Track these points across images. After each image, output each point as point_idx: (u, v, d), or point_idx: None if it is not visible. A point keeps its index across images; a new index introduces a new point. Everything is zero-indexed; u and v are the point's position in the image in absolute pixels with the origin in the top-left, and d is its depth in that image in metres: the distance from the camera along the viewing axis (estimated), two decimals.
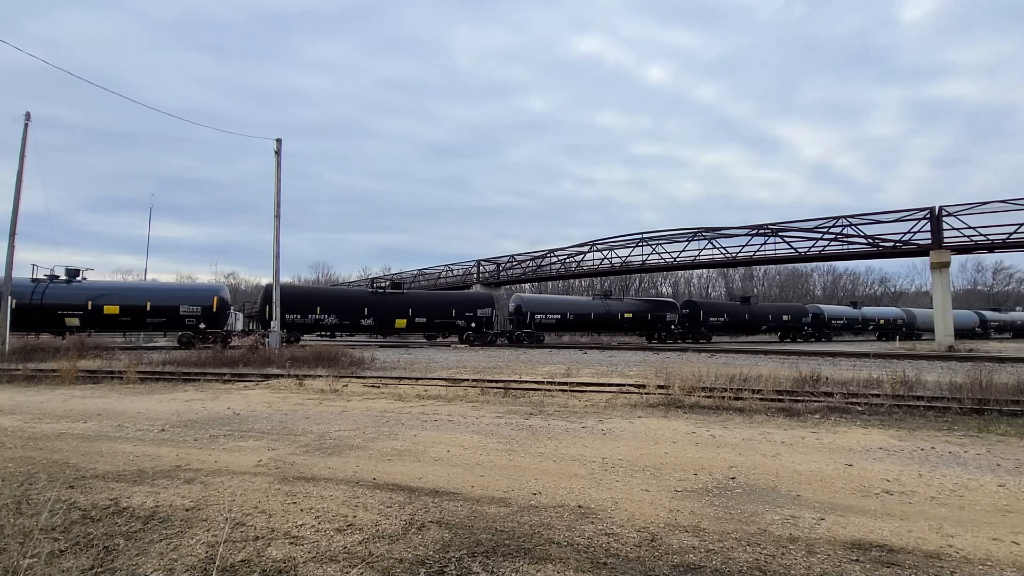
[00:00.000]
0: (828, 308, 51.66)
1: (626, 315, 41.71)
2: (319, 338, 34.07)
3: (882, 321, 51.00)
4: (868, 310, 52.87)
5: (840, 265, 78.93)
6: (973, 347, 32.69)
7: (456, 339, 36.53)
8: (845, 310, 52.06)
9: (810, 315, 48.92)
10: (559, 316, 38.19)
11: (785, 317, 47.31)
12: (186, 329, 27.09)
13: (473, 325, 34.37)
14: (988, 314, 59.44)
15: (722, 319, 43.94)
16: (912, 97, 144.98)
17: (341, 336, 34.35)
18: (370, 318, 32.27)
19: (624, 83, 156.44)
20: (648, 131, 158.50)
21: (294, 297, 29.64)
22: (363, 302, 32.94)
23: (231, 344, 24.30)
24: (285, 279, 32.40)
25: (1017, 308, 67.70)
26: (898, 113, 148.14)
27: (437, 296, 38.56)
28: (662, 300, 48.17)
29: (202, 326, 26.99)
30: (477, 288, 47.64)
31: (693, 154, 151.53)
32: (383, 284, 35.27)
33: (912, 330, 50.91)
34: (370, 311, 32.29)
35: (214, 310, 27.41)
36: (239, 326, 34.05)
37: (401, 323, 33.19)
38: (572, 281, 62.18)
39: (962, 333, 55.76)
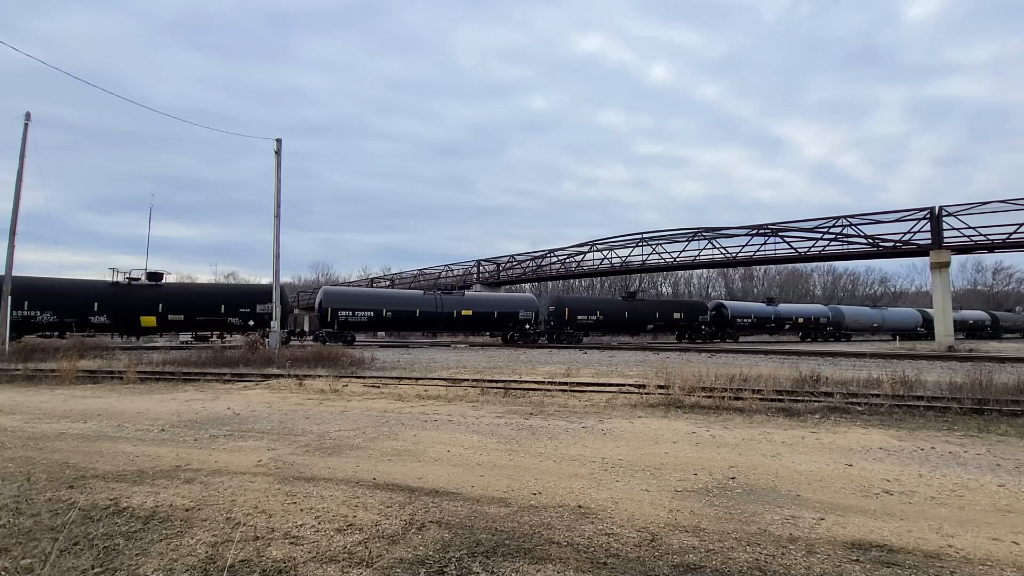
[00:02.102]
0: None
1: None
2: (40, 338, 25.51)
3: (800, 320, 48.88)
4: (785, 308, 49.99)
5: (840, 265, 79.01)
6: (974, 347, 32.70)
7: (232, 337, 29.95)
8: (752, 306, 49.13)
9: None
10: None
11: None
12: None
13: (252, 323, 28.78)
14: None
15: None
16: (915, 96, 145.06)
17: (71, 336, 25.91)
18: (103, 315, 26.82)
19: (626, 82, 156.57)
20: (650, 130, 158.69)
21: None
22: (95, 296, 27.15)
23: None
24: (285, 279, 32.47)
25: (1017, 308, 67.59)
26: (901, 112, 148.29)
27: (201, 289, 34.10)
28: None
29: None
30: (477, 288, 47.64)
31: (695, 154, 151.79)
32: (130, 276, 28.71)
33: (840, 330, 49.62)
34: (102, 307, 26.87)
35: None
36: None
37: (149, 321, 27.84)
38: (573, 281, 62.18)
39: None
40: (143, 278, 28.25)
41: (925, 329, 52.70)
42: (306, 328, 38.66)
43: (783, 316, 47.00)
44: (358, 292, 38.15)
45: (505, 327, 37.45)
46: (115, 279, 27.91)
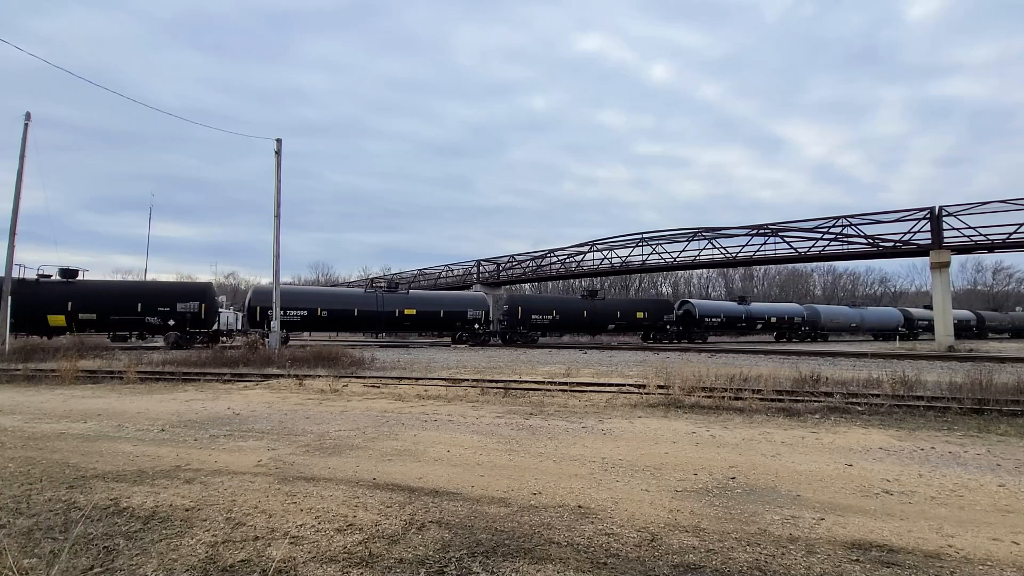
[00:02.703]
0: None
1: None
2: None
3: (773, 319, 46.73)
4: (758, 307, 48.24)
5: (840, 265, 79.04)
6: (973, 347, 32.70)
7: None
8: (722, 305, 47.86)
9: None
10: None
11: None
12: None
13: (172, 323, 27.13)
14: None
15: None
16: (916, 96, 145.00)
17: None
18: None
19: (627, 82, 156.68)
20: (650, 130, 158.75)
21: None
22: None
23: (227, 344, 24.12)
24: (284, 279, 32.34)
25: (1017, 308, 67.50)
26: (902, 112, 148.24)
27: (117, 287, 30.61)
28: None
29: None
30: (477, 288, 47.63)
31: (695, 153, 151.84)
32: (40, 272, 26.79)
33: (815, 330, 47.61)
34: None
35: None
36: (239, 326, 33.80)
37: (58, 321, 25.91)
38: (574, 281, 62.19)
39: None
40: (55, 275, 26.85)
41: (906, 329, 51.70)
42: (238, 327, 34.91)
43: (755, 316, 45.17)
44: (290, 290, 34.29)
45: (452, 327, 35.77)
46: (22, 276, 25.60)
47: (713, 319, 43.14)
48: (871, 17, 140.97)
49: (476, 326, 35.35)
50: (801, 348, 32.89)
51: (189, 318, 27.33)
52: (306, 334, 34.48)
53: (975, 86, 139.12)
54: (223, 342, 27.07)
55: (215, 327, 30.23)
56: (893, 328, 51.50)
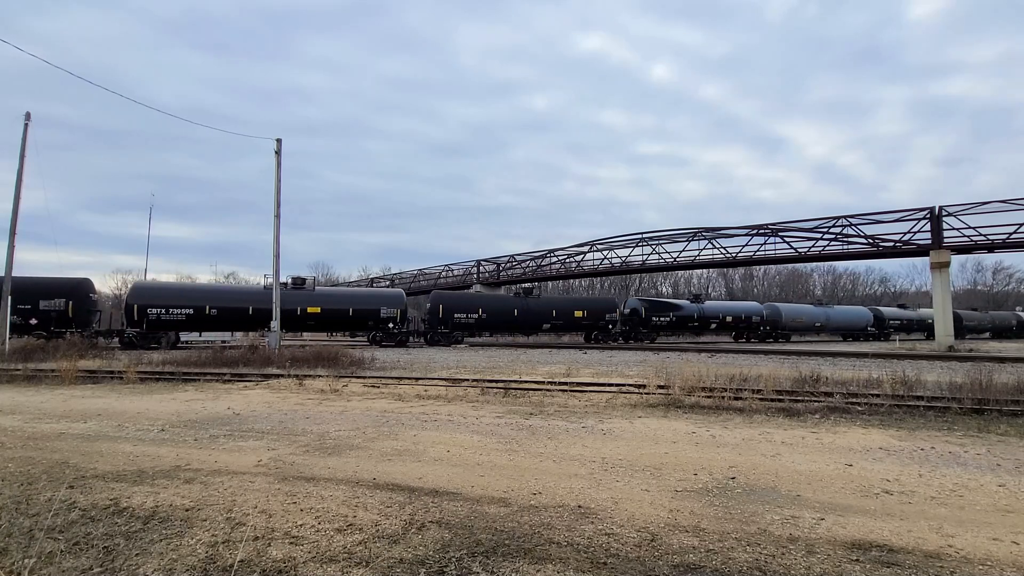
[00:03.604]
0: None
1: (721, 317, 40.07)
2: None
3: (729, 319, 44.46)
4: (712, 305, 46.16)
5: (840, 265, 79.00)
6: (972, 347, 32.70)
7: None
8: (673, 304, 45.39)
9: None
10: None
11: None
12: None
13: (34, 322, 25.23)
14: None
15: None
16: (918, 95, 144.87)
17: None
18: None
19: (628, 81, 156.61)
20: (652, 130, 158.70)
21: None
22: None
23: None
24: (285, 279, 32.22)
25: (1017, 308, 67.42)
26: (904, 111, 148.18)
27: None
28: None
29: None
30: (477, 288, 47.61)
31: (696, 153, 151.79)
32: None
33: (776, 329, 45.41)
34: None
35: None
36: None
37: None
38: (573, 281, 62.21)
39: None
40: None
41: (876, 329, 49.61)
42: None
43: (709, 315, 43.20)
44: (175, 286, 33.04)
45: (364, 326, 33.16)
46: None
47: (662, 318, 41.32)
48: (873, 17, 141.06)
49: (391, 325, 32.42)
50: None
51: (55, 317, 25.56)
52: (195, 334, 30.82)
53: (977, 86, 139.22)
54: (104, 343, 25.56)
55: (96, 326, 28.54)
56: (862, 328, 49.51)
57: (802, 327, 47.16)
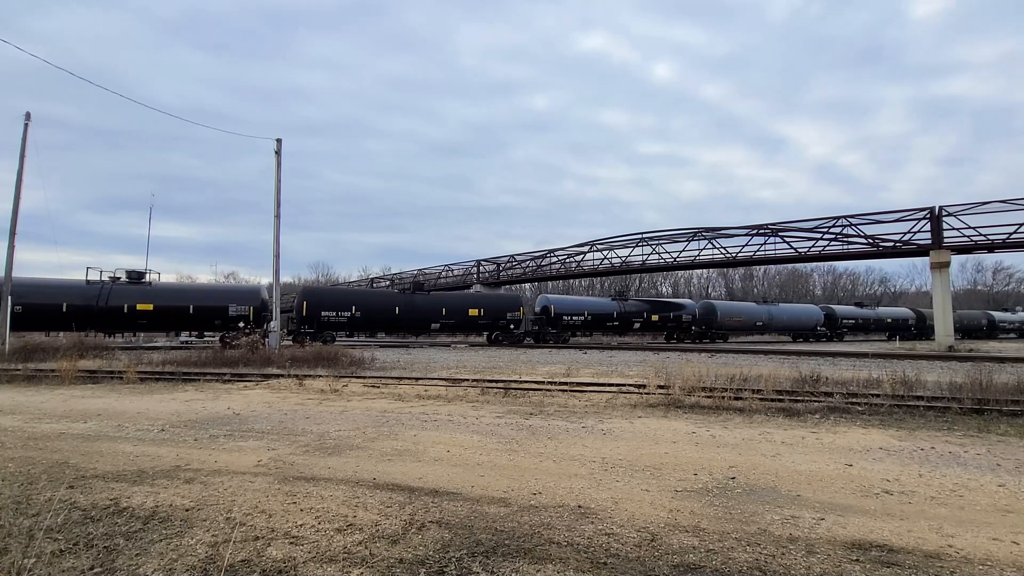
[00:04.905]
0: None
1: (646, 315, 39.00)
2: None
3: (655, 318, 42.14)
4: (635, 303, 43.50)
5: (840, 265, 79.16)
6: (974, 347, 32.69)
7: None
8: (589, 302, 43.74)
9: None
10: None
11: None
12: None
13: None
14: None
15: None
16: (920, 95, 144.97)
17: None
18: None
19: (629, 81, 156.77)
20: (652, 129, 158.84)
21: None
22: None
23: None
24: (285, 279, 32.20)
25: (1018, 308, 67.32)
26: (905, 111, 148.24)
27: None
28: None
29: None
30: (477, 288, 47.57)
31: (697, 153, 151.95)
32: None
33: (711, 329, 43.07)
34: None
35: None
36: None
37: None
38: (574, 281, 62.18)
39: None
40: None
41: (827, 328, 47.64)
42: None
43: (630, 314, 40.96)
44: None
45: (211, 326, 29.53)
46: None
47: (575, 318, 39.05)
48: (875, 16, 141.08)
49: (241, 324, 28.56)
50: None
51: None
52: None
53: (979, 85, 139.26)
54: None
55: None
56: (811, 328, 47.38)
57: (741, 326, 44.89)
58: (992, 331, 56.60)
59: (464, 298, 39.40)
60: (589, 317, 39.52)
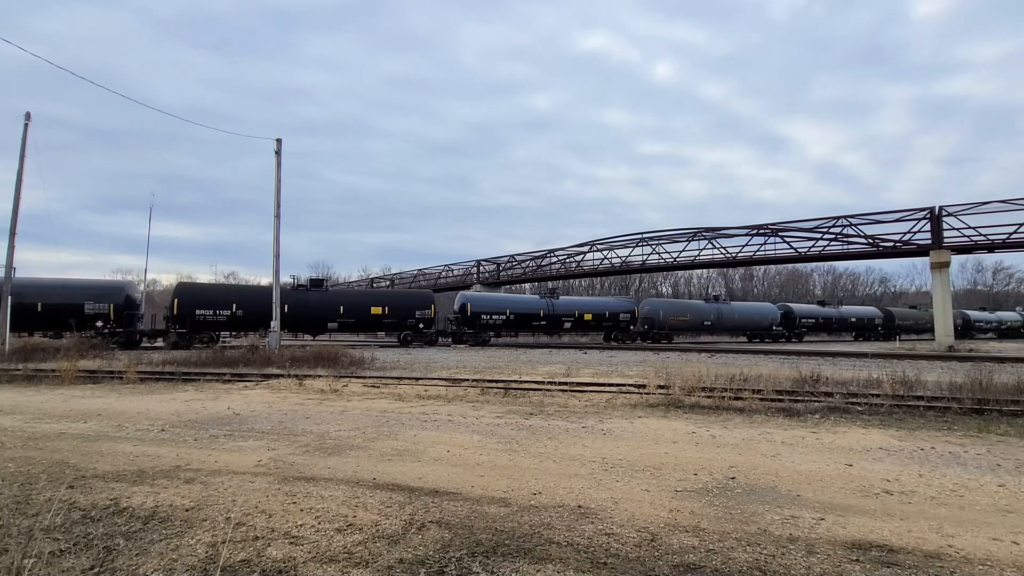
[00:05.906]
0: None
1: (577, 315, 36.75)
2: None
3: (588, 316, 39.04)
4: (567, 302, 39.82)
5: (840, 265, 79.08)
6: (972, 347, 32.70)
7: None
8: (512, 300, 40.58)
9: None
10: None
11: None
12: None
13: None
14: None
15: (503, 317, 36.43)
16: (921, 95, 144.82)
17: None
18: None
19: (630, 80, 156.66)
20: (653, 129, 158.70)
21: None
22: None
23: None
24: (285, 279, 32.15)
25: (1017, 308, 67.28)
26: (906, 111, 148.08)
27: None
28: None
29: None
30: (477, 288, 47.58)
31: (698, 153, 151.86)
32: None
33: (652, 329, 39.99)
34: None
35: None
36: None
37: None
38: (574, 281, 62.21)
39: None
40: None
41: (784, 328, 45.23)
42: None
43: (560, 313, 37.81)
44: None
45: (64, 324, 25.87)
46: None
47: (495, 317, 36.01)
48: (877, 16, 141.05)
49: (99, 323, 26.34)
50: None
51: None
52: None
53: (980, 85, 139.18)
54: None
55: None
56: (766, 328, 44.80)
57: (687, 326, 42.44)
58: (967, 331, 53.43)
59: (365, 295, 36.62)
60: (512, 316, 36.63)
